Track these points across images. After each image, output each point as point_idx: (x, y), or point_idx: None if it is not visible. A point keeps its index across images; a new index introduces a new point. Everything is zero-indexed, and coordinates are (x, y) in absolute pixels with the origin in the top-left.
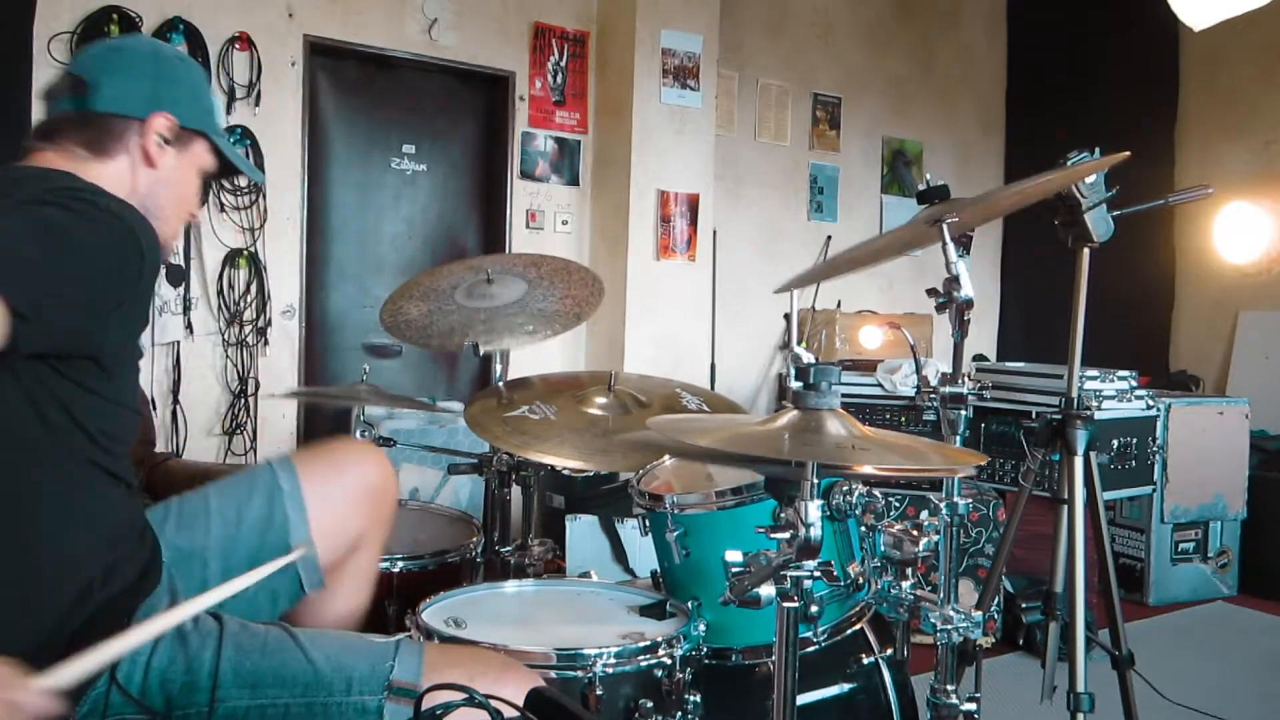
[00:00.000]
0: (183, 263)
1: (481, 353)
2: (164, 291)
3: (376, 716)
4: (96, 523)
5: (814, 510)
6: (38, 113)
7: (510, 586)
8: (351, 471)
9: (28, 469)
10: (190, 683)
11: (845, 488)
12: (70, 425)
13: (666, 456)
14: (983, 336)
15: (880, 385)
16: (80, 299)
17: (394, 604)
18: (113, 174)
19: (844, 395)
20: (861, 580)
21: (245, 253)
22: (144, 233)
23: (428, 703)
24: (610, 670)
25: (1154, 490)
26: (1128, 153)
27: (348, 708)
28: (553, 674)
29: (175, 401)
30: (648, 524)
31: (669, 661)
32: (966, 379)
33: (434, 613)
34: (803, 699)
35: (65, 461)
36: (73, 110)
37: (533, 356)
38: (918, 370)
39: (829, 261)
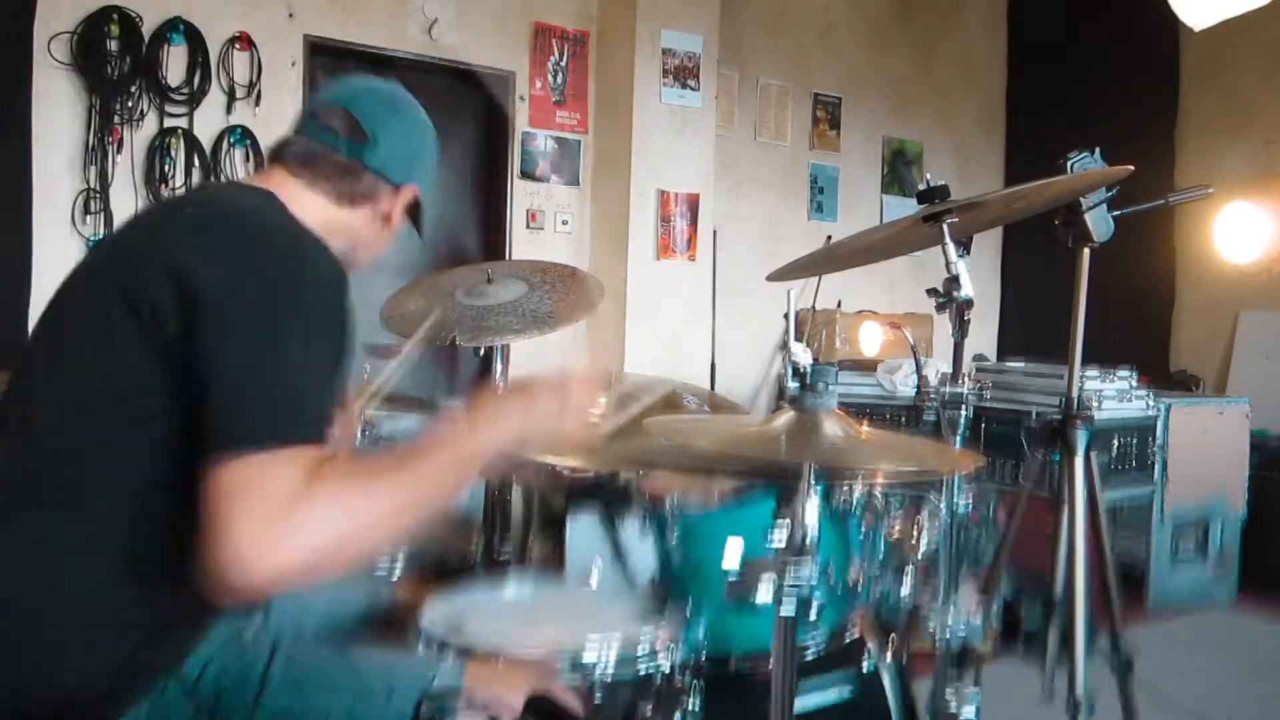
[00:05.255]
0: None
1: (457, 344)
2: None
3: None
4: None
5: (811, 512)
6: (39, 113)
7: (510, 587)
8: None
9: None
10: (242, 680)
11: (845, 488)
12: None
13: None
14: (983, 336)
15: (880, 385)
16: (331, 398)
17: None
18: (349, 220)
19: (844, 396)
20: (861, 582)
21: None
22: (345, 284)
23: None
24: (609, 674)
25: (1154, 490)
26: (1130, 167)
27: (389, 715)
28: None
29: None
30: (648, 524)
31: (668, 665)
32: (966, 379)
33: (434, 614)
34: (802, 703)
35: None
36: (345, 157)
37: (533, 356)
38: (918, 370)
39: (829, 252)
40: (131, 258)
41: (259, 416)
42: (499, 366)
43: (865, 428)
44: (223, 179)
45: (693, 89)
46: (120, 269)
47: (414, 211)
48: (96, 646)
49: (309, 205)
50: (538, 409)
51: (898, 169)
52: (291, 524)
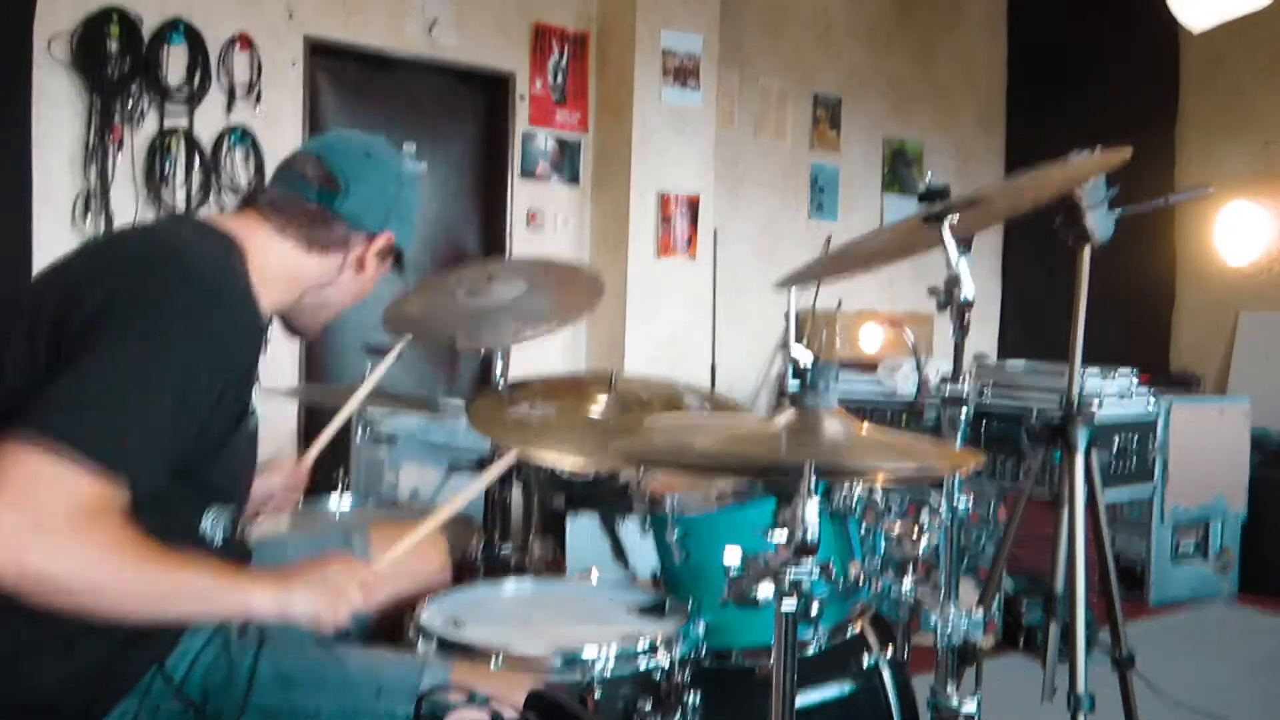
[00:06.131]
0: None
1: (456, 347)
2: None
3: None
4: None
5: (812, 511)
6: (39, 113)
7: (510, 586)
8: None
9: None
10: (229, 678)
11: (845, 487)
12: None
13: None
14: (983, 336)
15: (880, 385)
16: (166, 447)
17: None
18: (319, 266)
19: (844, 395)
20: (861, 580)
21: None
22: (244, 332)
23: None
24: (609, 671)
25: (1154, 490)
26: (1128, 148)
27: (377, 713)
28: (552, 676)
29: None
30: (648, 524)
31: (668, 662)
32: (967, 378)
33: (434, 613)
34: (803, 700)
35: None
36: (315, 204)
37: (533, 356)
38: (918, 370)
39: (833, 256)
40: (47, 283)
41: (66, 414)
42: (499, 368)
43: (865, 427)
44: (223, 178)
45: (693, 89)
46: (37, 293)
47: (394, 257)
48: (79, 643)
49: (277, 250)
50: (318, 587)
51: (898, 169)
52: (54, 543)
